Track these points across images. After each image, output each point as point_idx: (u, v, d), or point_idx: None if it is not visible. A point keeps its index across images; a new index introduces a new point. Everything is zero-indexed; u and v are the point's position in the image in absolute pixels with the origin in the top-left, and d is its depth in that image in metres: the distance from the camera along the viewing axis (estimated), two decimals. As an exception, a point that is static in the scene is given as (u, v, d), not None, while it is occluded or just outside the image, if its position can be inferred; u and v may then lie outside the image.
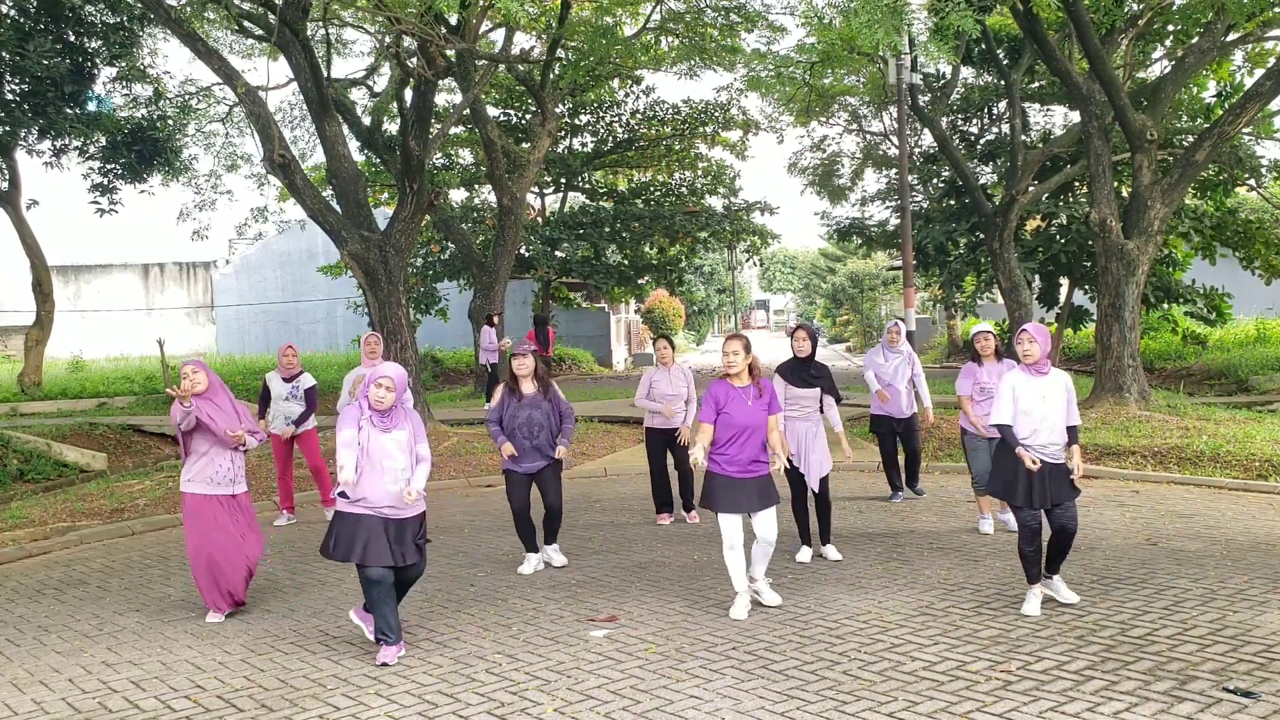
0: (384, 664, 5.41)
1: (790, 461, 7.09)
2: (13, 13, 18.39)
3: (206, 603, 6.49)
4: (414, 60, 15.29)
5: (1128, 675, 4.83)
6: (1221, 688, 4.62)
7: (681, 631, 5.78)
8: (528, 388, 7.21)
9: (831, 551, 7.43)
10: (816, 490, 7.40)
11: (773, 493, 6.14)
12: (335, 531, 5.57)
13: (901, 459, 9.68)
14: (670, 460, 8.99)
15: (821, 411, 7.45)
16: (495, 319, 19.05)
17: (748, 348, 6.16)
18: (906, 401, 9.35)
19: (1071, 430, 5.88)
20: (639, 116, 28.19)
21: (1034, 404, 5.83)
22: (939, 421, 13.60)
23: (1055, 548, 5.99)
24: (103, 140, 20.06)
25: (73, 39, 19.22)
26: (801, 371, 7.40)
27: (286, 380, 9.37)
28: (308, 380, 9.45)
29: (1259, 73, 16.63)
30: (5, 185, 21.01)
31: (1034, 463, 5.71)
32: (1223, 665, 4.92)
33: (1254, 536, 7.64)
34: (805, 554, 7.39)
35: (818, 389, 7.39)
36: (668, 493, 9.04)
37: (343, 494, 5.49)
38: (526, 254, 26.68)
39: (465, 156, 28.62)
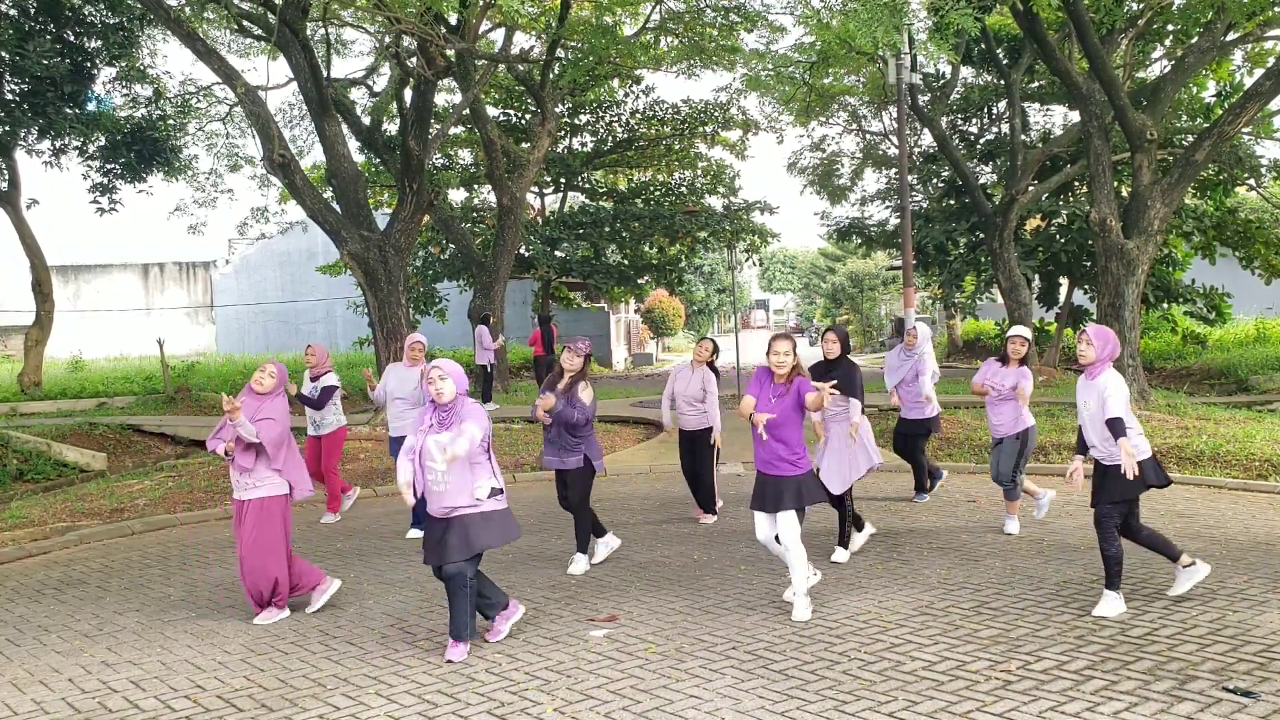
0: (449, 660, 5.41)
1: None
2: (13, 13, 18.39)
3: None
4: (414, 60, 15.30)
5: (1128, 675, 4.83)
6: (1221, 687, 4.62)
7: (681, 631, 5.78)
8: (565, 384, 7.26)
9: (840, 554, 7.43)
10: (838, 493, 7.41)
11: (795, 497, 6.03)
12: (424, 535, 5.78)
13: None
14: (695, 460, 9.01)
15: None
16: (491, 319, 19.05)
17: (795, 348, 6.18)
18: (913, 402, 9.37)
19: (1114, 423, 5.70)
20: (639, 116, 28.20)
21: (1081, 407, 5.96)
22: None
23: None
24: (102, 140, 20.07)
25: (72, 39, 19.23)
26: (829, 373, 7.41)
27: (313, 380, 9.41)
28: (327, 380, 9.46)
29: (1259, 72, 16.65)
30: (5, 185, 21.02)
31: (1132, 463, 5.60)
32: (1223, 665, 4.92)
33: (1254, 536, 7.64)
34: (841, 555, 7.37)
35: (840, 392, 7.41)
36: (700, 490, 9.04)
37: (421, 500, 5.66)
38: (526, 254, 26.68)
39: (465, 156, 28.63)
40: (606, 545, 7.66)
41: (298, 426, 8.21)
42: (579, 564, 7.38)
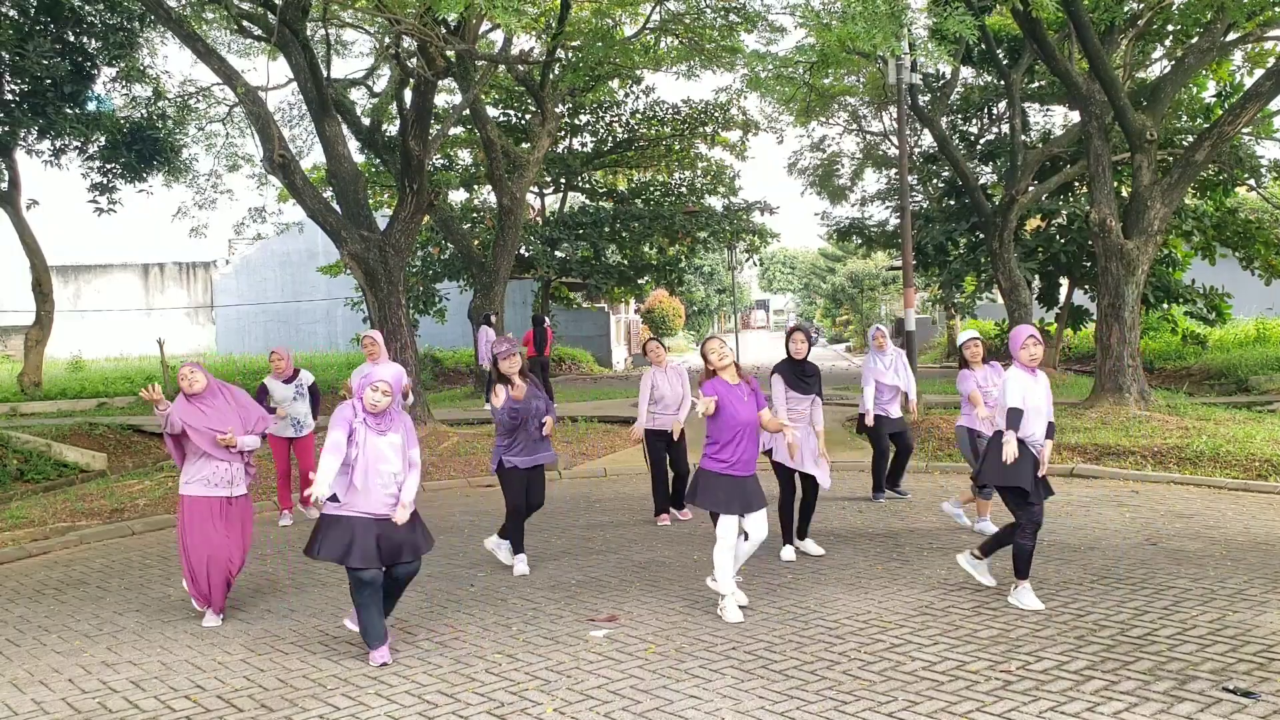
0: (383, 664, 5.40)
1: (772, 457, 7.33)
2: (12, 13, 18.39)
3: (197, 604, 6.48)
4: (414, 60, 15.30)
5: (1128, 675, 4.83)
6: (1221, 688, 4.63)
7: (681, 631, 5.78)
8: (520, 382, 7.22)
9: (812, 546, 7.53)
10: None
11: (760, 498, 6.13)
12: (322, 533, 5.50)
13: (892, 455, 9.70)
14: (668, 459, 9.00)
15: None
16: (493, 319, 19.05)
17: (725, 345, 6.31)
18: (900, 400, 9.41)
19: (1049, 426, 6.12)
20: (639, 116, 28.20)
21: (1034, 400, 6.07)
22: (939, 421, 13.61)
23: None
24: (102, 140, 20.06)
25: (72, 39, 19.22)
26: (799, 373, 7.40)
27: (286, 382, 9.38)
28: (308, 377, 9.49)
29: (1259, 73, 16.64)
30: (5, 185, 21.01)
31: (1014, 454, 5.93)
32: (1222, 665, 4.92)
33: (1254, 536, 7.64)
34: (789, 552, 7.45)
35: (813, 394, 7.41)
36: (666, 492, 9.05)
37: (333, 498, 5.46)
38: (526, 254, 26.68)
39: (465, 157, 28.63)
40: (499, 547, 7.55)
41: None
42: (523, 563, 7.40)
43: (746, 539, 6.12)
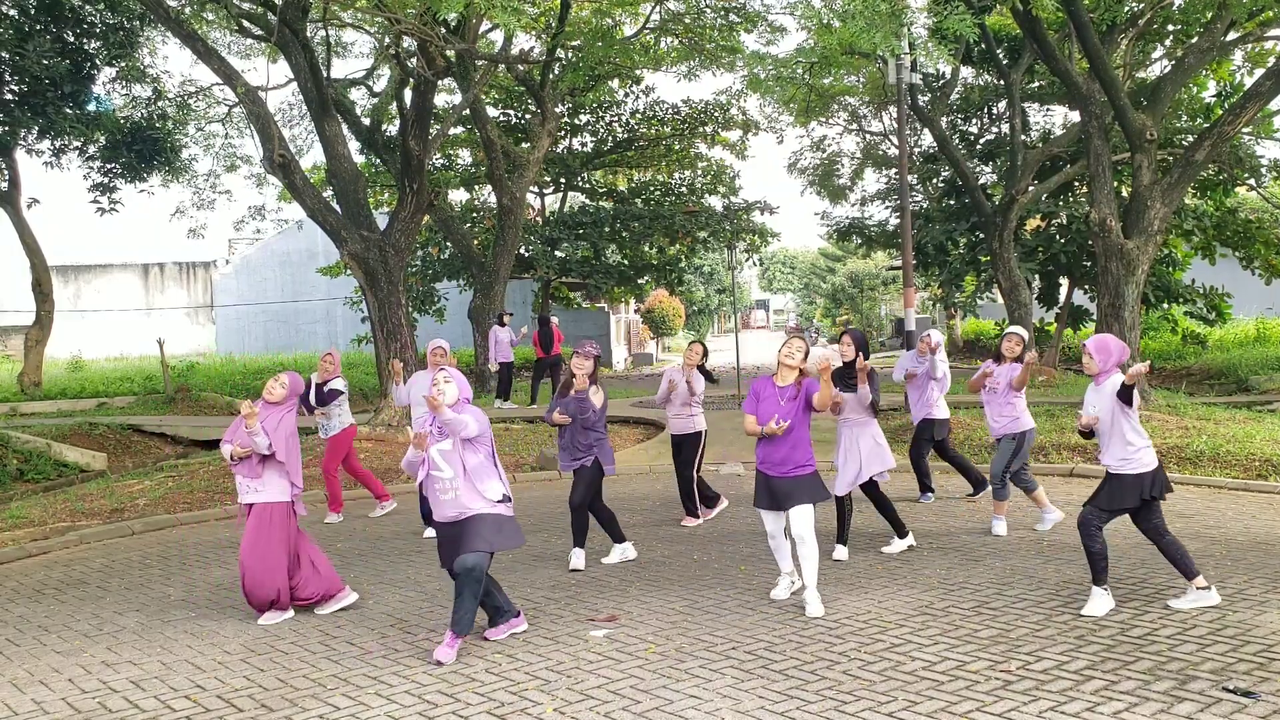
0: (438, 662, 5.39)
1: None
2: (12, 13, 18.39)
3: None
4: (414, 60, 15.29)
5: (1128, 675, 4.83)
6: (1221, 688, 4.62)
7: (681, 631, 5.78)
8: (582, 385, 7.34)
9: (840, 552, 7.45)
10: (850, 492, 7.45)
11: (807, 492, 6.08)
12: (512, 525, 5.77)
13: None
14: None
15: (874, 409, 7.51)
16: (505, 319, 19.06)
17: (808, 351, 6.24)
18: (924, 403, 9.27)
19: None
20: (639, 116, 28.19)
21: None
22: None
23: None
24: (102, 140, 20.06)
25: (72, 39, 19.22)
26: (845, 375, 7.42)
27: (320, 385, 9.39)
28: (335, 383, 9.44)
29: (1259, 72, 16.63)
30: (5, 185, 21.01)
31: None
32: (1223, 665, 4.92)
33: (1254, 536, 7.64)
34: (841, 553, 7.44)
35: (862, 391, 7.43)
36: (692, 494, 9.04)
37: (505, 498, 5.73)
38: (526, 254, 26.67)
39: (465, 156, 28.61)
40: (621, 553, 7.64)
41: (304, 427, 8.23)
42: (577, 558, 7.43)
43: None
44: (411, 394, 8.83)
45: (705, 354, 9.09)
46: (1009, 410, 7.99)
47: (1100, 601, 5.80)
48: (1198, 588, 5.85)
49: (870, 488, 7.50)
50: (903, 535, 7.61)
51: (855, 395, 7.39)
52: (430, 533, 8.71)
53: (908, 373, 9.34)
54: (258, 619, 6.36)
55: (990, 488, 8.32)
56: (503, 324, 18.88)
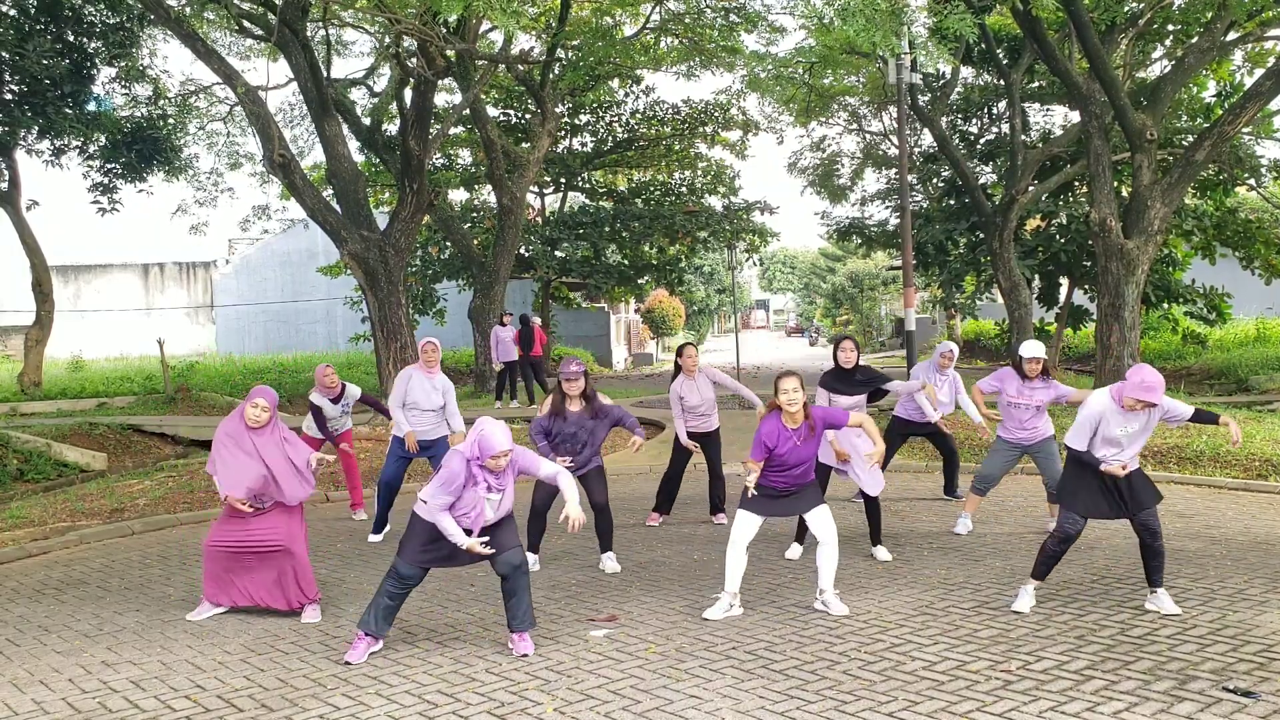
0: (523, 655, 5.44)
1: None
2: (12, 13, 18.39)
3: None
4: (414, 60, 15.30)
5: (1128, 675, 4.83)
6: (1221, 687, 4.62)
7: (681, 631, 5.78)
8: (574, 407, 7.22)
9: (881, 552, 7.39)
10: (874, 494, 7.35)
11: (816, 495, 6.14)
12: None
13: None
14: (700, 462, 8.99)
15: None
16: (505, 319, 19.06)
17: (803, 384, 6.05)
18: (932, 408, 8.98)
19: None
20: (639, 116, 28.19)
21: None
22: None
23: None
24: (103, 140, 20.06)
25: (72, 39, 19.23)
26: (846, 379, 7.39)
27: (334, 401, 9.35)
28: (356, 391, 9.44)
29: (1259, 72, 16.64)
30: (5, 185, 21.02)
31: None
32: (1223, 665, 4.92)
33: (1254, 536, 7.64)
34: (795, 551, 7.49)
35: (862, 395, 7.42)
36: (671, 496, 9.03)
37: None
38: (526, 254, 26.68)
39: (465, 156, 28.62)
40: (534, 561, 7.49)
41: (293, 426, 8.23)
42: (609, 562, 7.38)
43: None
44: (409, 399, 8.64)
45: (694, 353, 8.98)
46: (1032, 422, 7.84)
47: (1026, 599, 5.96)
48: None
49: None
50: (881, 542, 7.51)
51: (853, 400, 7.38)
52: (377, 538, 8.68)
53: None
54: (303, 616, 6.35)
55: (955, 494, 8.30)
56: (504, 324, 18.89)
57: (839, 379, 7.48)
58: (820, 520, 6.08)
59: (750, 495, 6.07)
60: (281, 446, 6.35)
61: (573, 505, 5.42)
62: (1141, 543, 5.89)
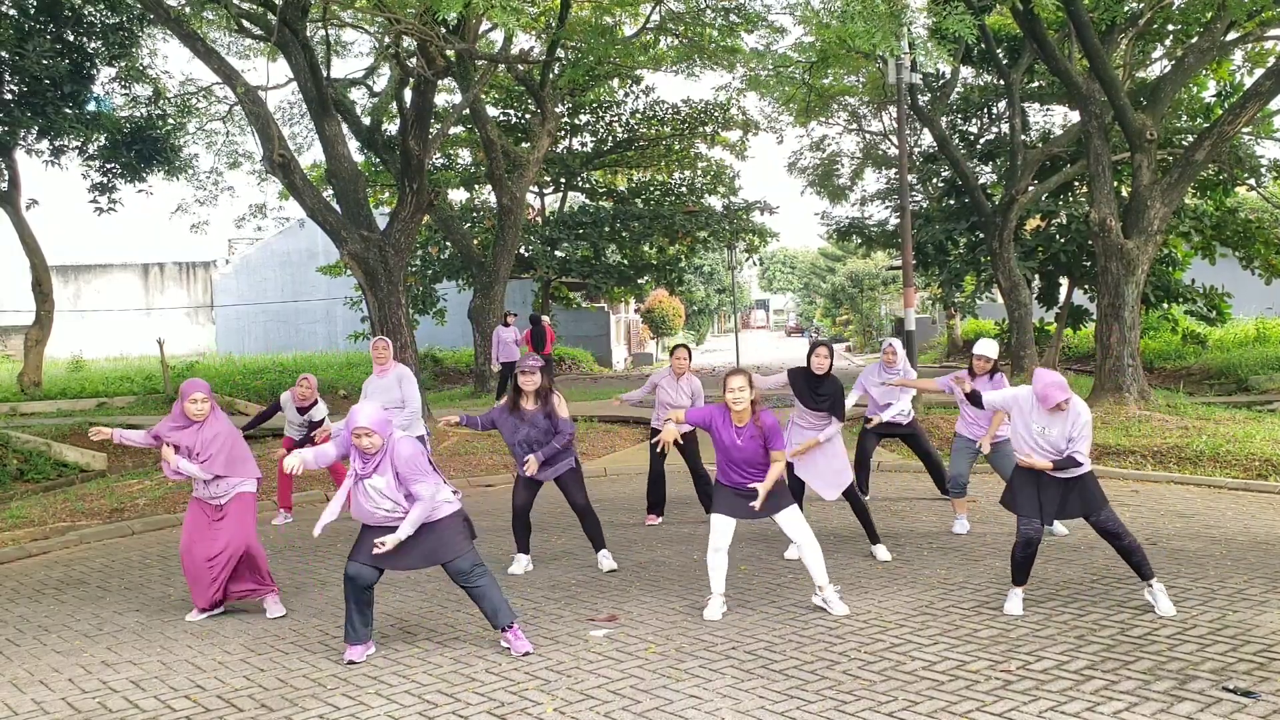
0: (525, 654, 5.45)
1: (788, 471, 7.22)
2: (12, 13, 18.38)
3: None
4: (414, 60, 15.29)
5: (1127, 675, 4.83)
6: (1221, 687, 4.63)
7: (681, 631, 5.78)
8: (529, 405, 7.15)
9: (881, 551, 7.39)
10: (830, 499, 7.42)
11: (783, 496, 6.12)
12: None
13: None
14: (670, 464, 8.97)
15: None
16: (509, 320, 19.08)
17: (751, 383, 6.04)
18: (902, 410, 8.87)
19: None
20: (639, 116, 28.20)
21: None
22: (940, 421, 13.61)
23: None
24: (102, 140, 20.06)
25: (72, 39, 19.22)
26: (814, 388, 7.36)
27: (301, 410, 9.41)
28: (320, 411, 9.53)
29: (1259, 72, 16.63)
30: (5, 185, 21.01)
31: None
32: (1222, 665, 4.92)
33: (1254, 536, 7.64)
34: (795, 551, 7.46)
35: (826, 418, 7.37)
36: (661, 495, 9.04)
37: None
38: (526, 254, 26.68)
39: (465, 156, 28.62)
40: (523, 565, 7.45)
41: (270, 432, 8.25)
42: (605, 560, 7.37)
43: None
44: (366, 394, 8.85)
45: (689, 356, 9.05)
46: (985, 419, 7.94)
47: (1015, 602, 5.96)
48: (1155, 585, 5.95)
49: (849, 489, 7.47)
50: (878, 540, 7.52)
51: (818, 419, 7.36)
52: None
53: (876, 403, 8.93)
54: (268, 613, 6.45)
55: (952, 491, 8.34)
56: (506, 324, 18.93)
57: (807, 383, 7.39)
58: (790, 521, 6.09)
59: (667, 439, 6.23)
60: (230, 433, 6.63)
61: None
62: (1113, 546, 5.93)
